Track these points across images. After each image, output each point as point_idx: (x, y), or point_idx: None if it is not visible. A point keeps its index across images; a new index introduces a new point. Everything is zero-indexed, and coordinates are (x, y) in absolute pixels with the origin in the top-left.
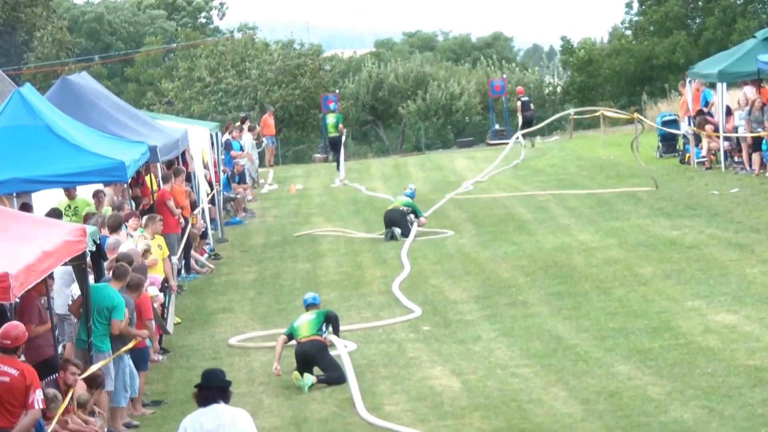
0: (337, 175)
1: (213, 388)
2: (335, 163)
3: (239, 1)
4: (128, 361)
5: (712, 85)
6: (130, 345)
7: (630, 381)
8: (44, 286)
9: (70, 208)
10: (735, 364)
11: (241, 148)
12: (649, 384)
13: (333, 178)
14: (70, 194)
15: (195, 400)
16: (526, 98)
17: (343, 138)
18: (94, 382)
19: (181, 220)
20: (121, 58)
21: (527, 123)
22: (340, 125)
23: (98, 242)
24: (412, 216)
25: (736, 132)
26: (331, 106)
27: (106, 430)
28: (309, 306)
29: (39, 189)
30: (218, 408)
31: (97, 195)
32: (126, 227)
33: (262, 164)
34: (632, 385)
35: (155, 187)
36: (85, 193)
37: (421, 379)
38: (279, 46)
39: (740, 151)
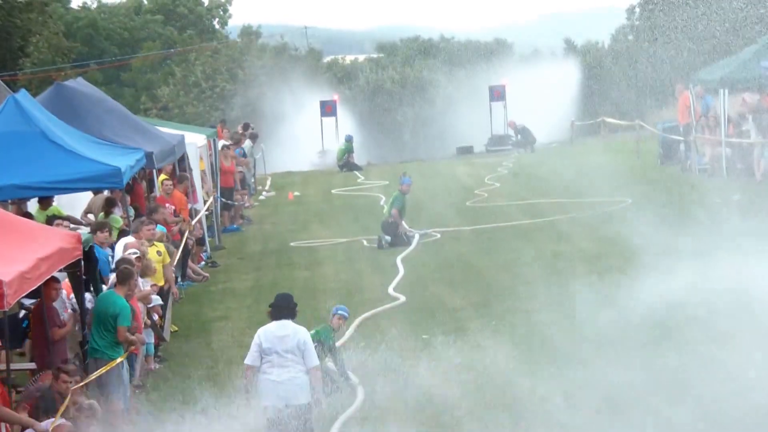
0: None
1: (283, 307)
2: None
3: (239, 6)
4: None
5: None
6: (125, 354)
7: (631, 390)
8: (54, 290)
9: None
10: (739, 374)
11: (243, 155)
12: (651, 393)
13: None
14: (45, 204)
15: (269, 316)
16: (521, 125)
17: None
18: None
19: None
20: (117, 63)
21: (530, 143)
22: (348, 155)
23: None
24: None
25: (740, 138)
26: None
27: None
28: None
29: (34, 195)
30: (285, 322)
31: (109, 200)
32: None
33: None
34: (634, 394)
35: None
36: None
37: (420, 387)
38: (273, 51)
39: (742, 157)
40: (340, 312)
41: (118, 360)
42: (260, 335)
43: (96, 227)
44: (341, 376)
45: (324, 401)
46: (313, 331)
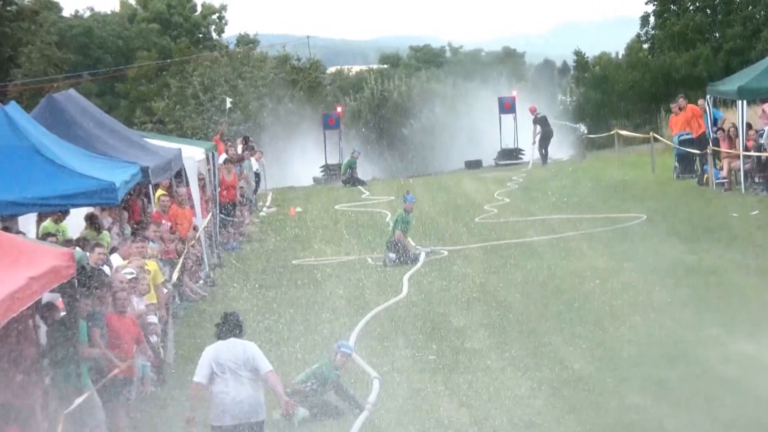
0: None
1: (231, 326)
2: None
3: (238, 15)
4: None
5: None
6: (111, 375)
7: (645, 412)
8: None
9: (59, 233)
10: (755, 395)
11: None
12: (665, 416)
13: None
14: (58, 219)
15: (215, 336)
16: (542, 114)
17: (354, 173)
18: None
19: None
20: (111, 75)
21: (547, 138)
22: (351, 170)
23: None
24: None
25: (761, 151)
26: (333, 125)
27: None
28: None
29: (25, 212)
30: (233, 340)
31: (91, 218)
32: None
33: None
34: (647, 417)
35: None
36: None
37: (428, 411)
38: (275, 62)
39: (761, 171)
40: (343, 350)
41: (89, 384)
42: (210, 354)
43: (94, 246)
44: (349, 403)
45: (293, 405)
46: (315, 366)
